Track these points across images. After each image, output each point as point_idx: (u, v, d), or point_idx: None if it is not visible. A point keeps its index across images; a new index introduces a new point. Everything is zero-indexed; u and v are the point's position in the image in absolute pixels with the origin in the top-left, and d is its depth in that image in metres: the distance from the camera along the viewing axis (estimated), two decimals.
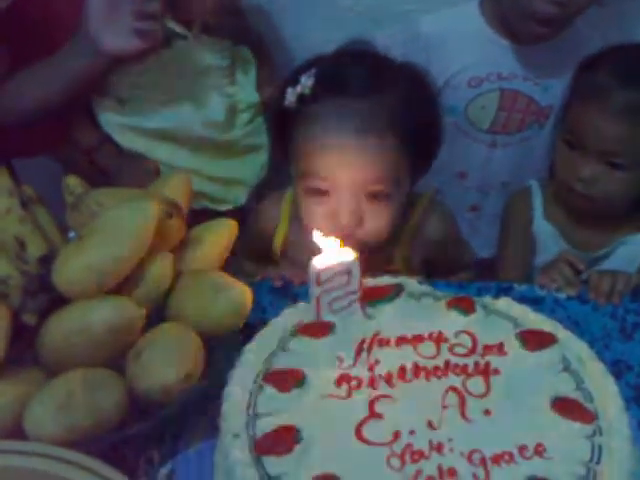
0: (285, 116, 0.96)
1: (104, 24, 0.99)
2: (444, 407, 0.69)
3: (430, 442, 0.65)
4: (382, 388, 0.71)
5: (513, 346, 0.76)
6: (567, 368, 0.74)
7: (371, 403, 0.69)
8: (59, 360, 0.73)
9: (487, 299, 0.83)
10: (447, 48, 1.29)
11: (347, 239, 0.89)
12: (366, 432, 0.66)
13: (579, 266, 1.06)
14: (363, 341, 0.76)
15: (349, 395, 0.71)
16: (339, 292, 0.78)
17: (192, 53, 1.19)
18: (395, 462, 0.63)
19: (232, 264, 0.87)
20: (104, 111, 1.21)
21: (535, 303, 0.93)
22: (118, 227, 0.75)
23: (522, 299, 0.86)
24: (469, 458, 0.64)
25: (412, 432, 0.66)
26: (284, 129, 0.97)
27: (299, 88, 0.93)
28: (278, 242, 1.10)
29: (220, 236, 0.86)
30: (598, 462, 0.64)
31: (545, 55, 1.28)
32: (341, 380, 0.72)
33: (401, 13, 1.39)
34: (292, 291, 0.98)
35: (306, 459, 0.64)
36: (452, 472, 0.63)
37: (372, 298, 0.81)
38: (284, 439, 0.64)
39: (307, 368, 0.72)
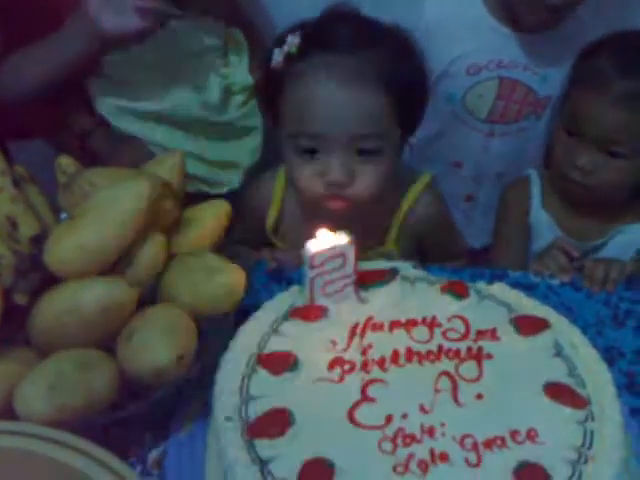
0: (273, 77, 0.96)
1: (104, 4, 0.98)
2: (437, 391, 0.69)
3: (422, 426, 0.65)
4: (375, 372, 0.71)
5: (506, 331, 0.76)
6: (560, 354, 0.74)
7: (364, 387, 0.69)
8: (50, 340, 0.72)
9: (481, 284, 0.83)
10: (447, 35, 1.28)
11: (338, 197, 0.89)
12: (358, 416, 0.66)
13: (573, 253, 1.07)
14: (356, 325, 0.76)
15: (342, 379, 0.71)
16: (333, 275, 0.78)
17: (188, 34, 1.18)
18: (387, 446, 0.64)
19: (226, 246, 0.86)
20: (100, 93, 1.20)
21: (528, 289, 0.92)
22: (111, 207, 0.75)
23: (516, 285, 0.85)
24: (461, 442, 0.64)
25: (404, 416, 0.66)
26: (272, 91, 0.97)
27: (286, 47, 0.93)
28: (270, 222, 1.10)
29: (214, 218, 0.85)
30: (590, 447, 0.64)
31: (546, 44, 1.27)
32: (334, 364, 0.72)
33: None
34: (286, 274, 0.98)
35: (298, 442, 0.64)
36: (444, 456, 0.63)
37: (366, 282, 0.81)
38: (276, 422, 0.64)
39: (300, 351, 0.72)
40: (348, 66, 0.90)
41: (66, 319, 0.71)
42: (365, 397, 0.68)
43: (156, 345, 0.71)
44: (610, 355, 0.87)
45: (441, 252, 1.12)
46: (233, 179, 1.31)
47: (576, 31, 1.26)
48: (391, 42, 0.95)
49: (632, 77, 1.05)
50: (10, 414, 0.66)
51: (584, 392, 0.69)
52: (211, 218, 0.85)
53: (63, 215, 0.82)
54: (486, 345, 0.74)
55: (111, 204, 0.75)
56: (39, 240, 0.76)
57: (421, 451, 0.63)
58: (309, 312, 0.77)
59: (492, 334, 0.75)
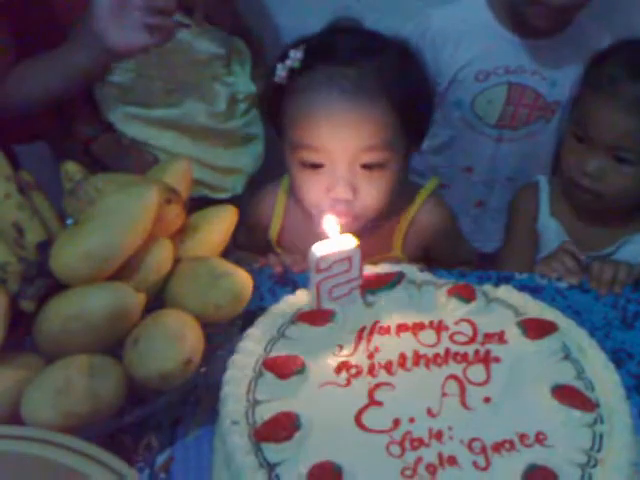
0: (276, 92, 0.96)
1: (111, 20, 0.95)
2: (444, 395, 0.69)
3: (430, 430, 0.65)
4: (382, 376, 0.71)
5: (514, 334, 0.75)
6: (568, 356, 0.73)
7: (371, 391, 0.69)
8: (57, 346, 0.72)
9: (488, 287, 0.83)
10: (454, 42, 1.29)
11: (344, 212, 0.89)
12: (366, 420, 0.66)
13: (580, 256, 1.06)
14: (363, 329, 0.76)
15: (348, 383, 0.70)
16: (339, 279, 0.77)
17: (194, 42, 1.19)
18: (395, 449, 0.63)
19: (232, 251, 0.86)
20: (106, 99, 1.21)
21: (536, 292, 0.93)
22: (117, 213, 0.75)
23: (523, 288, 0.85)
24: (469, 446, 0.64)
25: (412, 420, 0.66)
26: (276, 105, 0.97)
27: (289, 62, 0.93)
28: (274, 232, 1.10)
29: (220, 222, 0.85)
30: (599, 450, 0.64)
31: (553, 49, 1.27)
32: (341, 368, 0.72)
33: (405, 7, 1.37)
34: (292, 278, 0.98)
35: (305, 446, 0.63)
36: (452, 460, 0.62)
37: (372, 286, 0.80)
38: (284, 426, 0.64)
39: (307, 355, 0.72)
40: (351, 80, 0.90)
41: (72, 325, 0.71)
42: (372, 401, 0.68)
43: (162, 350, 0.71)
44: (618, 357, 0.87)
45: (449, 259, 1.12)
46: (236, 185, 1.33)
47: (581, 35, 1.27)
48: (394, 54, 0.95)
49: None
50: (18, 420, 0.66)
51: (593, 395, 0.69)
52: (216, 223, 0.85)
53: (69, 221, 0.82)
54: (494, 348, 0.74)
55: (117, 210, 0.75)
56: (45, 246, 0.76)
57: (429, 455, 0.63)
58: (315, 316, 0.77)
59: (500, 337, 0.75)
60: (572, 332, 0.77)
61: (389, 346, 0.74)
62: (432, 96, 1.00)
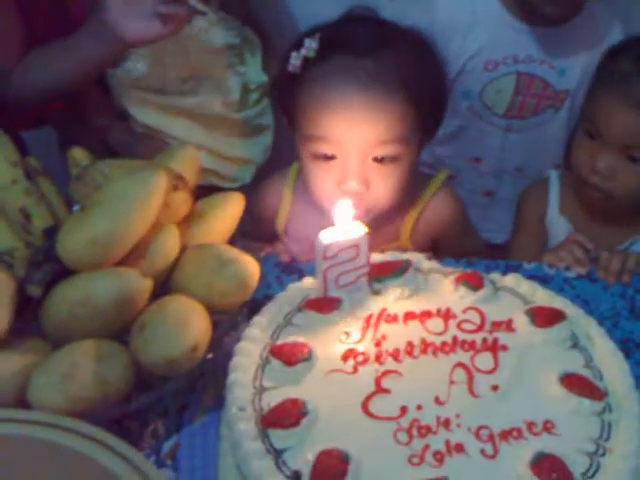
0: (289, 81, 0.94)
1: (122, 9, 0.93)
2: (452, 383, 0.69)
3: (437, 418, 0.65)
4: (389, 363, 0.71)
5: (522, 322, 0.75)
6: (576, 345, 0.73)
7: (378, 378, 0.69)
8: (63, 332, 0.72)
9: (495, 275, 0.82)
10: (462, 32, 1.27)
11: (355, 204, 0.89)
12: (373, 407, 0.66)
13: (588, 246, 1.05)
14: (370, 317, 0.76)
15: (355, 370, 0.70)
16: (346, 267, 0.77)
17: (210, 30, 1.19)
18: (402, 437, 0.63)
19: (238, 239, 0.86)
20: (121, 86, 1.20)
21: (544, 281, 0.92)
22: (123, 198, 0.74)
23: (530, 277, 0.85)
24: (477, 434, 0.64)
25: (419, 407, 0.66)
26: (288, 94, 0.96)
27: (303, 51, 0.91)
28: (281, 220, 1.10)
29: (227, 210, 0.85)
30: (607, 439, 0.64)
31: (561, 38, 1.26)
32: (348, 355, 0.72)
33: None
34: (298, 266, 0.97)
35: (312, 433, 0.63)
36: (460, 447, 0.62)
37: (379, 274, 0.80)
38: (290, 412, 0.64)
39: (314, 343, 0.72)
40: (367, 71, 0.89)
41: (79, 310, 0.71)
42: (379, 388, 0.68)
43: (169, 336, 0.70)
44: (627, 347, 0.86)
45: (457, 250, 1.11)
46: (246, 174, 1.33)
47: (591, 23, 1.25)
48: (410, 45, 0.94)
49: None
50: (24, 404, 0.66)
51: (601, 383, 0.69)
52: (224, 210, 0.85)
53: (76, 207, 0.82)
54: (502, 336, 0.73)
55: (123, 195, 0.75)
56: (52, 232, 0.75)
57: (437, 442, 0.63)
58: (322, 304, 0.77)
59: (508, 325, 0.75)
60: (580, 321, 0.77)
61: (396, 334, 0.74)
62: (447, 88, 0.99)
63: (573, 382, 0.68)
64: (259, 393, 0.67)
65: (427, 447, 0.62)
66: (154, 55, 1.17)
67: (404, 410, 0.65)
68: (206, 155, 1.24)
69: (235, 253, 0.78)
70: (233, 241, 0.85)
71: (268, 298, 0.79)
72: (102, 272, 0.73)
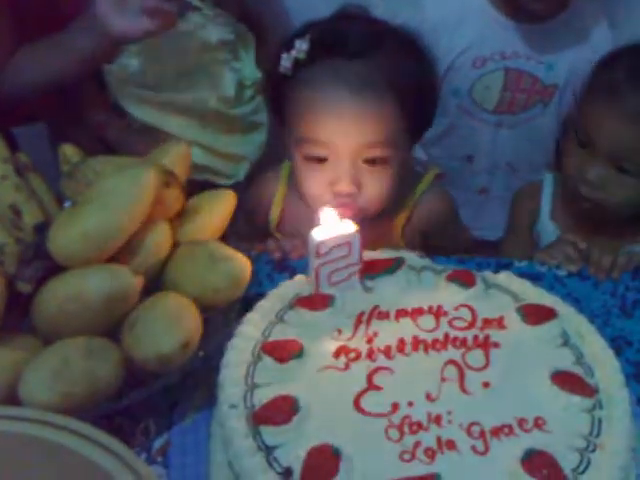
0: (280, 83, 0.95)
1: (112, 4, 0.93)
2: (443, 380, 0.68)
3: (429, 414, 0.65)
4: (381, 360, 0.70)
5: (513, 320, 0.75)
6: (567, 343, 0.73)
7: (369, 375, 0.69)
8: (54, 329, 0.72)
9: (487, 273, 0.83)
10: (450, 29, 1.28)
11: (347, 206, 0.89)
12: (364, 403, 0.66)
13: (580, 245, 1.05)
14: (362, 314, 0.76)
15: (347, 367, 0.70)
16: (338, 264, 0.77)
17: (205, 26, 1.18)
18: (394, 433, 0.63)
19: (231, 235, 0.86)
20: (117, 82, 1.20)
21: (535, 279, 0.92)
22: (115, 195, 0.74)
23: (522, 275, 0.84)
24: (468, 430, 0.63)
25: (410, 404, 0.66)
26: (279, 95, 0.96)
27: (294, 53, 0.91)
28: (274, 217, 1.10)
29: (219, 207, 0.85)
30: (598, 435, 0.64)
31: (548, 33, 1.27)
32: (339, 352, 0.71)
33: None
34: (290, 264, 0.97)
35: (304, 429, 0.63)
36: (451, 444, 0.62)
37: (372, 271, 0.80)
38: (282, 409, 0.64)
39: (305, 339, 0.72)
40: (357, 73, 0.89)
41: (70, 307, 0.71)
42: (371, 385, 0.68)
43: (160, 333, 0.70)
44: (617, 345, 0.86)
45: (447, 246, 1.11)
46: (239, 172, 1.33)
47: (577, 18, 1.26)
48: (400, 47, 0.94)
49: None
50: (15, 401, 0.66)
51: (592, 380, 0.69)
52: (215, 207, 0.85)
53: (67, 203, 0.82)
54: (493, 334, 0.73)
55: (115, 192, 0.75)
56: (42, 228, 0.75)
57: (428, 439, 0.63)
58: (314, 301, 0.76)
59: (499, 323, 0.75)
60: (571, 318, 0.77)
61: (388, 331, 0.74)
62: (437, 89, 0.99)
63: (564, 379, 0.68)
64: (250, 390, 0.67)
65: (418, 443, 0.62)
66: (149, 51, 1.16)
67: (395, 407, 0.65)
68: (201, 151, 1.24)
69: (227, 250, 0.78)
70: (224, 239, 0.85)
71: (260, 296, 0.79)
72: (93, 268, 0.73)
